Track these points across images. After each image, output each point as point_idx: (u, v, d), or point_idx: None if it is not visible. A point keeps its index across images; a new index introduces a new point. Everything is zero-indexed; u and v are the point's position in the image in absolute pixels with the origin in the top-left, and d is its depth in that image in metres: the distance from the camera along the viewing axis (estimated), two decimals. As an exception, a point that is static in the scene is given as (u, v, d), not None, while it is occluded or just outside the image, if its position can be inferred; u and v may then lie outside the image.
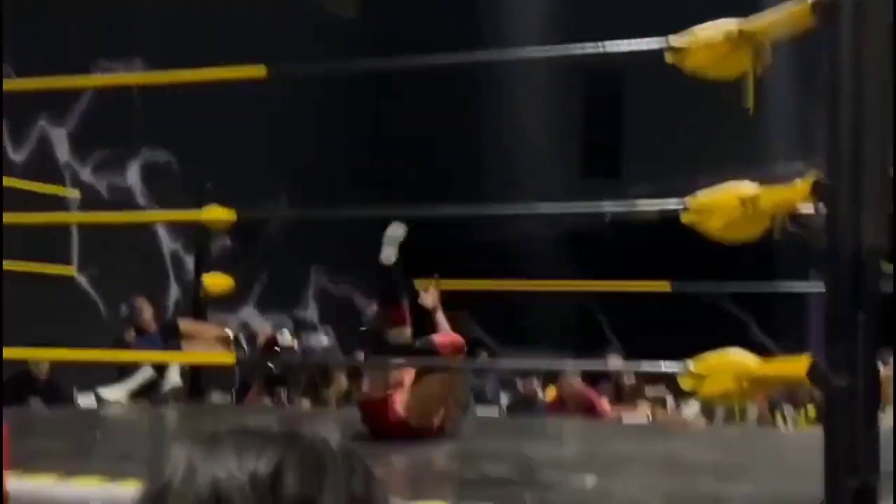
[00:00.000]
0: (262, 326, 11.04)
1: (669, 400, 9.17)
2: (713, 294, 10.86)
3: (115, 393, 7.24)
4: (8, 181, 7.47)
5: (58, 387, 8.86)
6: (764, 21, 3.01)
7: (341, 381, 9.37)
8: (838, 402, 2.62)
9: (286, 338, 7.69)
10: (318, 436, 0.92)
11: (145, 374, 7.26)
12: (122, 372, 7.57)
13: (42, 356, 6.50)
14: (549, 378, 9.37)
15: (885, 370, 6.81)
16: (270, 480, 0.87)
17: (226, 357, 4.97)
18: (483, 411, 9.77)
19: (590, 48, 3.46)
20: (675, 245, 7.71)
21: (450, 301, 5.43)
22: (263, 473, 0.88)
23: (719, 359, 2.95)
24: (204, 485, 0.87)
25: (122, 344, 8.50)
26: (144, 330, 8.48)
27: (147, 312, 8.56)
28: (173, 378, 7.22)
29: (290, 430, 0.92)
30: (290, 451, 0.89)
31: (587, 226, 11.73)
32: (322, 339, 10.38)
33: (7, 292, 8.39)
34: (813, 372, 2.67)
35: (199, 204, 7.46)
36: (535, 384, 9.43)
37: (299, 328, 11.63)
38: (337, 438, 0.92)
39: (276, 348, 7.33)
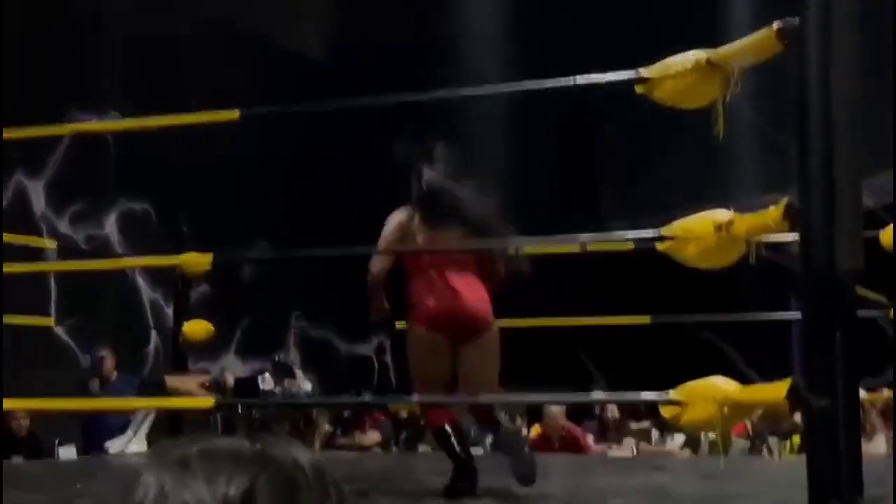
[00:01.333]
0: (235, 371, 10.98)
1: (654, 434, 9.16)
2: (694, 327, 10.86)
3: (122, 444, 7.21)
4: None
5: (38, 441, 8.80)
6: (731, 49, 3.05)
7: (324, 426, 9.34)
8: (819, 424, 2.62)
9: (268, 382, 7.66)
10: (290, 456, 0.90)
11: (147, 418, 7.24)
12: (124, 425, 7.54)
13: (23, 406, 6.45)
14: (533, 415, 9.35)
15: (868, 395, 6.83)
16: None
17: (203, 401, 4.94)
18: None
19: (562, 81, 3.49)
20: (654, 279, 7.76)
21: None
22: (234, 497, 0.86)
23: (700, 386, 2.96)
24: None
25: (86, 394, 8.46)
26: (107, 379, 8.49)
27: (109, 362, 8.57)
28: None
29: (261, 451, 0.89)
30: (261, 473, 0.87)
31: (565, 261, 11.74)
32: (306, 385, 10.32)
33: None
34: (793, 394, 2.68)
35: (177, 251, 7.46)
36: (519, 422, 9.40)
37: (280, 373, 11.57)
38: (309, 458, 0.91)
39: (258, 391, 7.32)
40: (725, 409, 2.86)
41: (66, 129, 8.70)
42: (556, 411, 8.66)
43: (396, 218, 4.76)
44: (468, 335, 4.53)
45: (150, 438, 7.33)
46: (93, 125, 9.76)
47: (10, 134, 7.01)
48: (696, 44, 3.18)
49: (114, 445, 7.26)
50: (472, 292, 4.57)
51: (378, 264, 4.76)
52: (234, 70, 11.90)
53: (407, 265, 4.74)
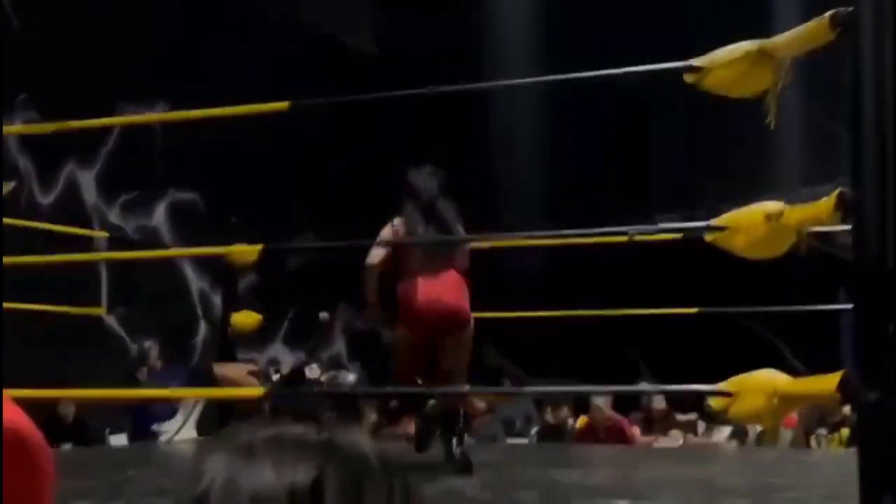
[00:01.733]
0: (287, 361, 11.07)
1: (700, 425, 9.12)
2: (743, 318, 10.80)
3: (175, 428, 7.32)
4: (37, 224, 7.56)
5: (86, 428, 8.91)
6: (784, 38, 3.02)
7: (370, 416, 9.37)
8: (871, 417, 2.60)
9: (314, 372, 7.71)
10: (356, 444, 0.89)
11: (197, 406, 7.34)
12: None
13: (74, 396, 6.53)
14: (579, 407, 9.33)
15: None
16: (310, 492, 0.85)
17: (253, 391, 4.97)
18: (512, 441, 9.73)
19: (611, 71, 3.48)
20: (703, 271, 7.72)
21: (475, 332, 5.39)
22: (302, 485, 0.85)
23: (750, 378, 2.94)
24: (243, 497, 0.85)
25: (134, 383, 8.59)
26: (152, 369, 8.61)
27: (154, 352, 8.69)
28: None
29: (327, 439, 0.89)
30: (328, 461, 0.86)
31: (613, 253, 11.72)
32: (349, 377, 10.39)
33: (37, 334, 8.47)
34: (844, 387, 2.65)
35: (225, 241, 7.53)
36: (565, 413, 9.39)
37: (327, 364, 11.64)
38: (373, 447, 0.90)
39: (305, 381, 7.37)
40: (775, 401, 2.84)
41: (116, 120, 8.79)
42: (601, 402, 8.63)
43: (386, 231, 5.40)
44: (449, 330, 5.11)
45: (200, 426, 7.40)
46: (143, 117, 9.86)
47: (61, 126, 7.11)
48: (740, 34, 3.16)
49: (164, 433, 7.34)
50: (454, 293, 5.14)
51: (374, 259, 5.39)
52: (281, 59, 11.97)
53: (395, 271, 5.28)
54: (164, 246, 10.92)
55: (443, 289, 5.10)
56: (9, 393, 1.01)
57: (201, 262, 11.18)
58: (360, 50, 13.60)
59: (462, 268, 5.31)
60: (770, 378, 2.91)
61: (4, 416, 0.96)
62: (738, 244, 2.98)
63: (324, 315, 6.88)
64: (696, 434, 9.10)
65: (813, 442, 8.42)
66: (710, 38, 3.50)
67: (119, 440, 8.99)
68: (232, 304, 7.56)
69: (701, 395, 6.46)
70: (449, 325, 5.10)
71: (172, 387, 8.21)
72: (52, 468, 1.01)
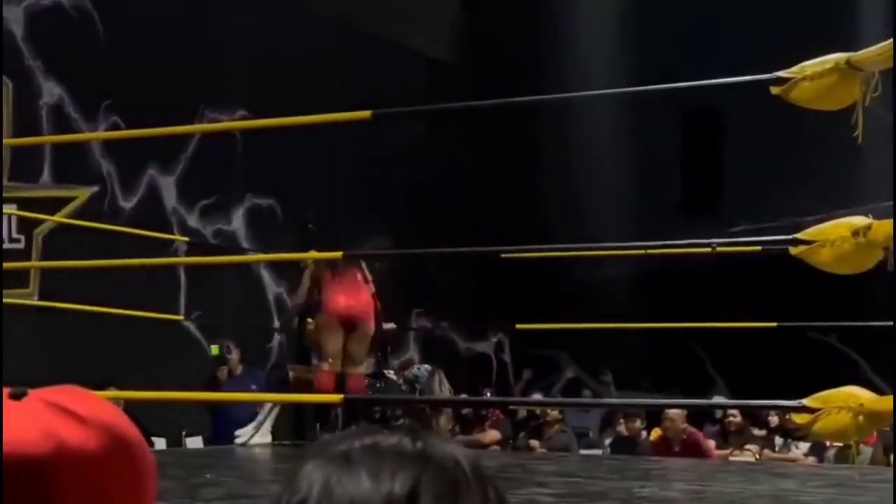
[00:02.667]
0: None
1: (778, 440, 9.01)
2: (820, 331, 10.64)
3: (251, 433, 7.41)
4: (119, 228, 7.70)
5: (164, 430, 9.02)
6: (872, 51, 2.99)
7: (444, 422, 9.38)
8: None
9: (390, 375, 7.76)
10: (450, 454, 0.89)
11: (273, 410, 7.44)
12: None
13: (154, 398, 6.63)
14: (653, 418, 9.27)
15: None
16: (406, 501, 0.85)
17: (331, 396, 5.01)
18: (585, 452, 9.69)
19: (695, 83, 3.46)
20: (779, 282, 7.62)
21: (549, 342, 5.39)
22: (399, 495, 0.86)
23: (834, 394, 2.90)
24: None
25: (214, 383, 8.68)
26: (232, 371, 8.71)
27: (235, 355, 8.79)
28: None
29: (423, 449, 0.89)
30: (424, 470, 0.86)
31: (687, 263, 11.62)
32: (423, 369, 10.40)
33: (118, 337, 8.61)
34: (932, 405, 2.61)
35: (302, 246, 7.60)
36: (639, 424, 9.33)
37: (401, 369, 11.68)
38: (467, 457, 0.91)
39: (380, 384, 7.46)
40: (861, 418, 2.81)
41: (206, 127, 8.88)
42: (676, 414, 8.55)
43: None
44: (354, 327, 7.14)
45: (276, 430, 7.47)
46: (228, 124, 9.99)
47: (144, 132, 7.23)
48: (825, 47, 3.13)
49: (241, 437, 7.43)
50: (358, 299, 7.19)
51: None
52: (359, 70, 12.06)
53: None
54: (241, 250, 11.05)
55: (350, 296, 7.17)
56: (101, 394, 1.02)
57: (278, 268, 11.29)
58: (439, 59, 13.66)
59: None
60: (855, 394, 2.88)
61: (108, 417, 0.97)
62: (824, 259, 2.95)
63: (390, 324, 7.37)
64: (773, 449, 8.99)
65: (893, 460, 8.26)
66: (795, 51, 3.47)
67: (195, 442, 9.11)
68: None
69: (778, 409, 6.37)
70: (353, 322, 7.18)
71: (251, 391, 8.31)
72: (154, 472, 1.02)
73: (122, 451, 0.95)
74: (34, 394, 0.95)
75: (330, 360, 7.10)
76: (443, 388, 7.71)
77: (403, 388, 7.62)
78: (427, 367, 8.13)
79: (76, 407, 0.93)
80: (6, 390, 0.96)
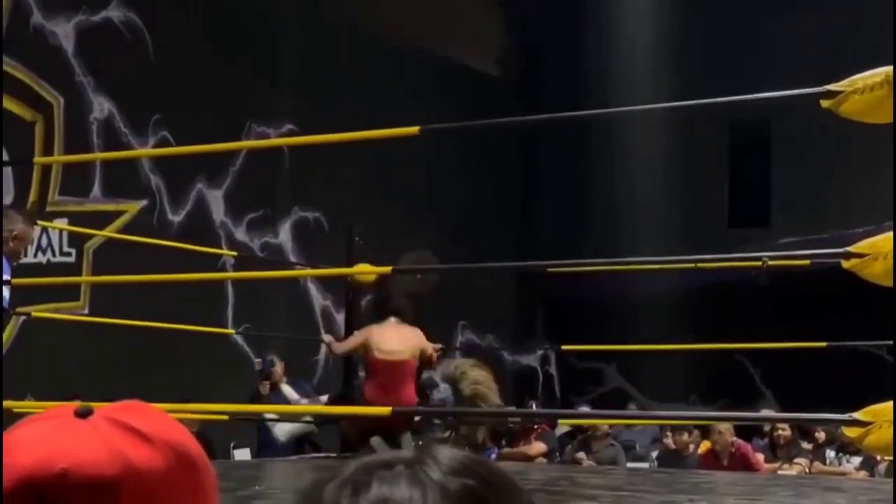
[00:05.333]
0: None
1: (828, 454, 8.91)
2: (870, 345, 10.53)
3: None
4: (168, 243, 7.78)
5: (209, 443, 9.07)
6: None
7: (480, 436, 9.35)
8: None
9: (439, 392, 7.79)
10: (496, 467, 0.88)
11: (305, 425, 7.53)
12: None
13: (206, 411, 6.69)
14: (702, 431, 9.20)
15: None
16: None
17: (382, 409, 5.02)
18: (632, 465, 9.63)
19: (743, 98, 3.45)
20: (828, 294, 7.56)
21: (596, 355, 5.38)
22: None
23: (886, 408, 2.88)
24: None
25: (257, 396, 8.72)
26: (276, 384, 8.75)
27: (279, 368, 8.82)
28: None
29: (470, 462, 0.86)
30: (470, 482, 0.84)
31: (736, 276, 11.56)
32: (445, 390, 10.41)
33: (167, 350, 8.69)
34: None
35: (348, 261, 7.64)
36: (687, 437, 9.26)
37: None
38: (494, 468, 0.88)
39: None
40: (914, 432, 2.78)
41: (255, 144, 8.91)
42: (724, 427, 8.49)
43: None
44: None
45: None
46: (277, 140, 10.05)
47: (192, 149, 7.31)
48: (875, 61, 3.11)
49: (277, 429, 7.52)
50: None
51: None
52: (405, 85, 12.11)
53: None
54: (288, 262, 11.10)
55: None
56: (159, 406, 1.03)
57: (325, 280, 11.33)
58: (485, 73, 13.68)
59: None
60: (908, 409, 2.85)
61: (172, 435, 0.98)
62: (877, 272, 2.93)
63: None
64: (823, 462, 8.89)
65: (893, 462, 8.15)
66: (842, 64, 3.45)
67: (243, 454, 9.15)
68: (354, 321, 7.66)
69: (829, 423, 6.31)
70: None
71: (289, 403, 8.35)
72: (216, 488, 1.03)
73: (185, 469, 0.97)
74: (99, 411, 0.96)
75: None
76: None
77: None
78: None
79: (141, 425, 0.95)
80: (72, 408, 0.97)
